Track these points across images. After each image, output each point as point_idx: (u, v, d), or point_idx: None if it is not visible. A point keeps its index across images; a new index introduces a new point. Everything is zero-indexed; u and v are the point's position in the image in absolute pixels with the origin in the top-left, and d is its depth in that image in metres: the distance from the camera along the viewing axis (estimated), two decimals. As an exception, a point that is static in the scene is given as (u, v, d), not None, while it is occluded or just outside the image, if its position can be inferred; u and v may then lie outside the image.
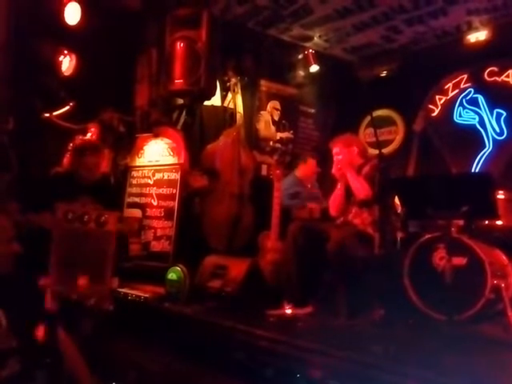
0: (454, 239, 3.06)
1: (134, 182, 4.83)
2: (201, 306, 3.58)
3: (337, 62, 6.26)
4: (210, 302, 3.60)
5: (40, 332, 2.15)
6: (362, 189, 3.44)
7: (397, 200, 3.54)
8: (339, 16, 5.21)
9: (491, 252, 3.25)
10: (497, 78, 5.37)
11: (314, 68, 5.99)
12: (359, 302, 3.16)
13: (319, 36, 5.73)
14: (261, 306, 3.39)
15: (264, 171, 5.42)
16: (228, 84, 5.23)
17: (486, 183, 3.01)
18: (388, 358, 2.45)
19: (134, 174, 4.86)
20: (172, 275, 3.82)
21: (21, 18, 4.17)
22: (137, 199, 4.75)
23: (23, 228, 2.58)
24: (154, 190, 4.66)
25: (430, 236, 3.23)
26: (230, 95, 5.26)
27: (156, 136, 4.78)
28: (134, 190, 4.80)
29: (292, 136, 6.22)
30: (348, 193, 3.59)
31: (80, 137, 4.84)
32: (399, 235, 3.67)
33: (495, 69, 5.37)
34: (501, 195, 3.86)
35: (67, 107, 4.59)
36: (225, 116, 5.29)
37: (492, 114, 5.41)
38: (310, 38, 5.80)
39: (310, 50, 5.96)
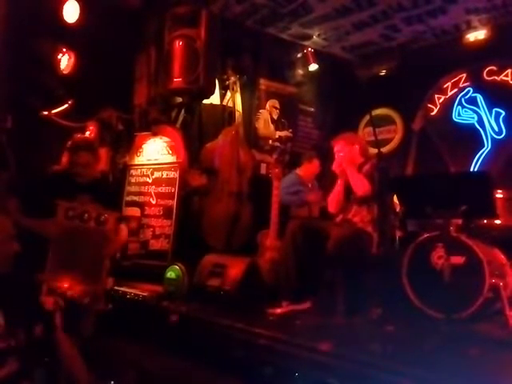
0: (452, 238, 3.07)
1: (133, 180, 4.83)
2: (199, 304, 3.58)
3: (336, 60, 6.25)
4: (209, 300, 3.60)
5: (38, 331, 2.14)
6: (361, 185, 3.45)
7: (396, 199, 3.54)
8: (338, 15, 5.20)
9: (490, 251, 3.25)
10: (496, 77, 5.37)
11: (313, 67, 5.99)
12: (357, 301, 3.16)
13: (318, 35, 5.72)
14: (259, 305, 3.39)
15: (263, 170, 5.42)
16: (227, 82, 5.22)
17: (485, 182, 3.01)
18: (386, 357, 2.45)
19: (133, 172, 4.86)
20: (171, 274, 3.82)
21: (19, 16, 4.15)
22: (135, 198, 4.75)
23: (22, 228, 2.57)
24: (152, 189, 4.66)
25: (428, 235, 3.24)
26: (228, 94, 5.25)
27: (155, 134, 4.78)
28: (133, 188, 4.80)
29: (291, 135, 6.22)
30: (348, 191, 3.59)
31: (79, 135, 4.84)
32: (398, 234, 3.68)
33: (494, 68, 5.37)
34: (499, 194, 3.86)
35: (66, 105, 4.59)
36: (224, 114, 5.29)
37: (491, 113, 5.41)
38: (309, 37, 5.80)
39: (309, 49, 5.96)
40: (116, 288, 3.78)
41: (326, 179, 4.79)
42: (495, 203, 3.13)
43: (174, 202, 4.48)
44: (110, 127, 4.96)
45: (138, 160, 4.87)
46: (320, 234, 3.40)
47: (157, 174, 4.68)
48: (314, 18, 5.32)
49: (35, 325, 2.15)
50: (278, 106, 6.17)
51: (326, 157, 4.15)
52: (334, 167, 3.67)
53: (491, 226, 3.79)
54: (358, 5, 4.98)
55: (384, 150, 5.47)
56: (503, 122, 5.31)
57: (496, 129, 5.37)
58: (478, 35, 5.21)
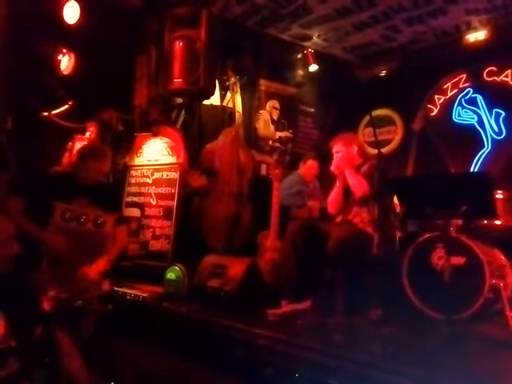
0: (452, 239, 3.07)
1: (133, 181, 4.83)
2: (200, 305, 3.58)
3: (336, 61, 6.26)
4: (209, 301, 3.60)
5: (38, 331, 2.14)
6: (359, 186, 3.44)
7: (396, 199, 3.54)
8: (338, 15, 5.20)
9: (490, 252, 3.25)
10: (496, 78, 5.37)
11: (313, 67, 5.99)
12: (358, 301, 3.16)
13: (318, 35, 5.73)
14: (260, 305, 3.39)
15: (263, 170, 5.41)
16: (227, 83, 5.22)
17: (485, 183, 3.01)
18: (386, 357, 2.45)
19: (133, 173, 4.85)
20: (171, 275, 3.82)
21: (20, 17, 4.16)
22: (136, 198, 4.75)
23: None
24: (152, 190, 4.66)
25: (428, 235, 3.24)
26: (229, 94, 5.25)
27: (155, 135, 4.78)
28: (133, 189, 4.80)
29: (291, 135, 6.22)
30: (347, 192, 3.59)
31: (79, 136, 4.85)
32: (398, 235, 3.68)
33: (494, 68, 5.37)
34: (499, 195, 3.86)
35: (66, 106, 4.59)
36: (224, 115, 5.29)
37: (491, 114, 5.41)
38: (310, 38, 5.80)
39: (309, 50, 5.97)
40: (116, 289, 3.78)
41: (325, 180, 4.79)
42: (495, 204, 3.13)
43: (174, 203, 4.48)
44: (110, 128, 4.96)
45: (138, 161, 4.87)
46: (320, 235, 3.40)
47: (157, 175, 4.68)
48: (314, 19, 5.33)
49: (35, 325, 2.15)
50: (278, 107, 6.17)
51: (326, 157, 4.14)
52: (333, 168, 3.67)
53: (491, 227, 3.79)
54: (359, 5, 4.99)
55: (384, 150, 5.48)
56: (503, 122, 5.32)
57: (496, 129, 5.38)
58: (478, 36, 5.22)
